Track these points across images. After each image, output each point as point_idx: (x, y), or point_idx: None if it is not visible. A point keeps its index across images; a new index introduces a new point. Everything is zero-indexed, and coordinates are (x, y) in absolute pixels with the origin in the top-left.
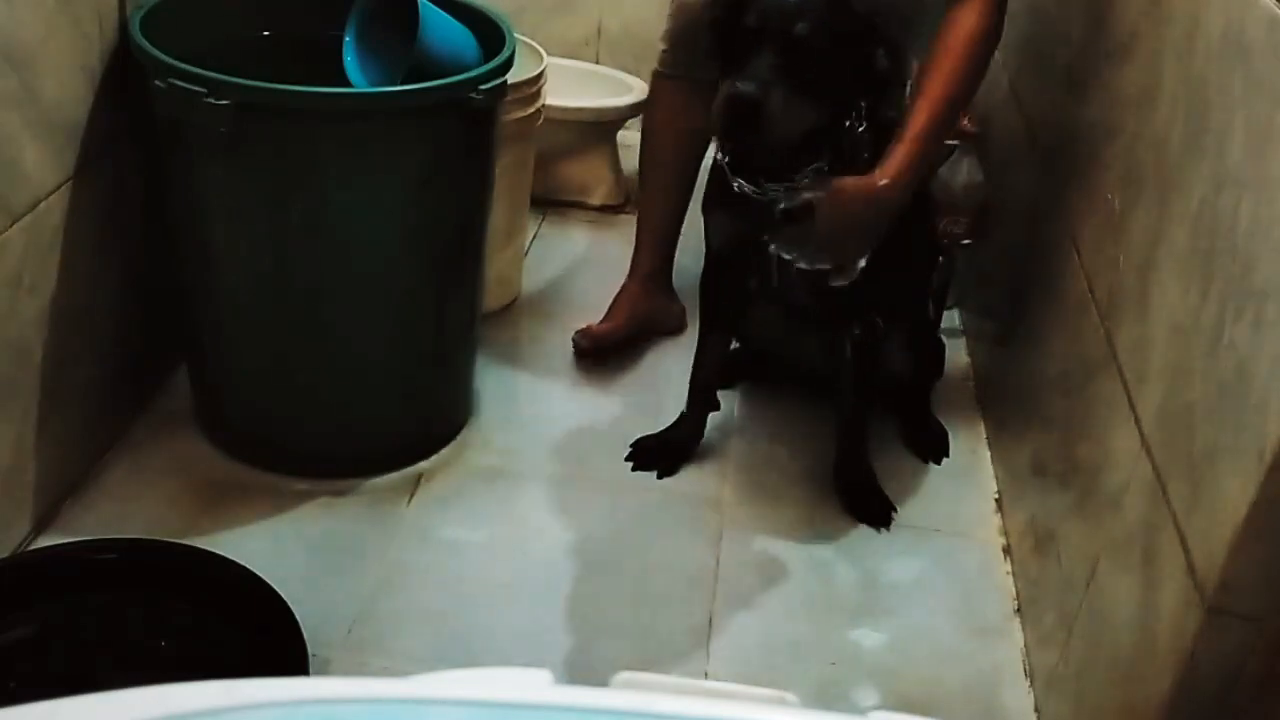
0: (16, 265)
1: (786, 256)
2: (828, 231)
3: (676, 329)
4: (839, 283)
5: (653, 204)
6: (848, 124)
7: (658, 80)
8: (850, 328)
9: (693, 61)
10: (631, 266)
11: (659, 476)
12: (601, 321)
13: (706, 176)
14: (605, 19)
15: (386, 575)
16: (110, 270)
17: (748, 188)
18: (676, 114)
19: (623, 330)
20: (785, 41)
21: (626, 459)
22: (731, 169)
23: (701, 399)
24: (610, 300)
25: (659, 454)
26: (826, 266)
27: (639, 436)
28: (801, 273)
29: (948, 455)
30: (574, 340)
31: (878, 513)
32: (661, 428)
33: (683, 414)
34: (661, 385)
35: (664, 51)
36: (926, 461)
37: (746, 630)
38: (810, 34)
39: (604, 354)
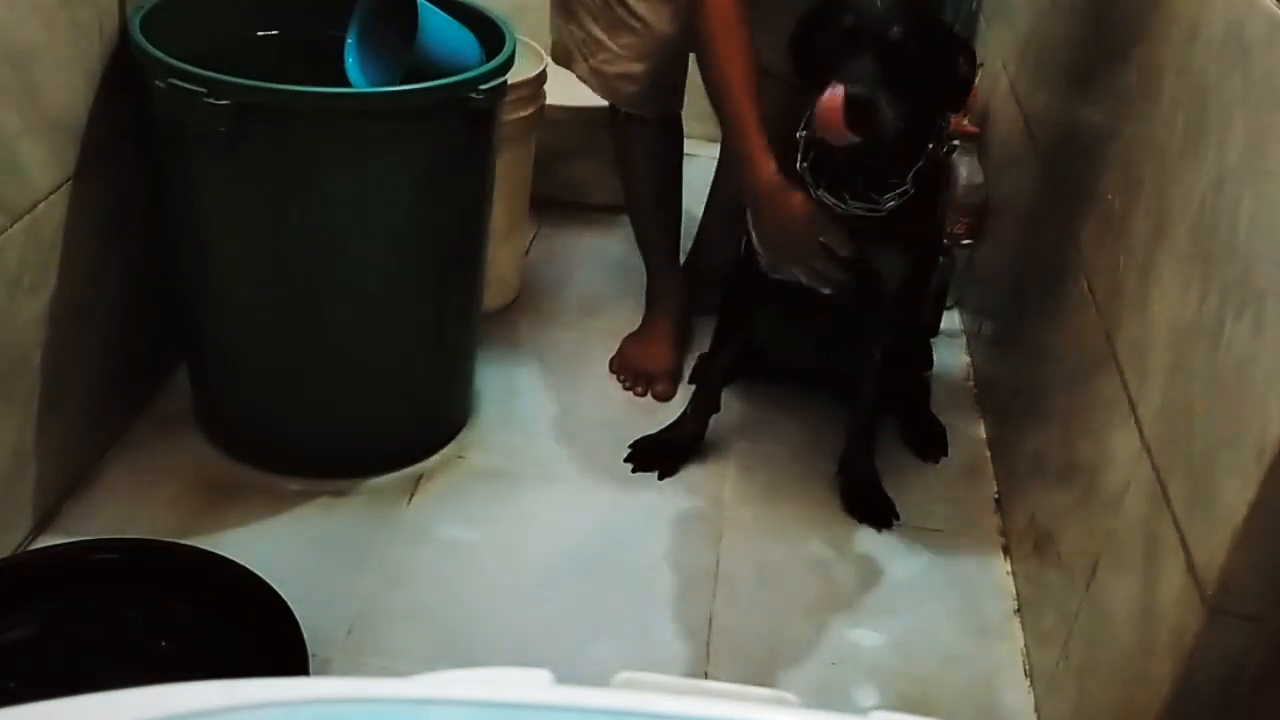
0: (16, 265)
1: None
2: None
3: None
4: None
5: (659, 234)
6: (932, 136)
7: (629, 120)
8: (885, 336)
9: (665, 100)
10: (651, 293)
11: (659, 478)
12: (653, 355)
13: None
14: None
15: (386, 575)
16: (110, 270)
17: (829, 199)
18: (656, 150)
19: (680, 361)
20: (882, 45)
21: (626, 460)
22: (814, 179)
23: (706, 400)
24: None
25: (659, 455)
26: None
27: (639, 437)
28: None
29: (946, 454)
30: (653, 394)
31: (879, 514)
32: (660, 428)
33: (684, 414)
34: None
35: (634, 92)
36: (926, 460)
37: (746, 630)
38: (905, 38)
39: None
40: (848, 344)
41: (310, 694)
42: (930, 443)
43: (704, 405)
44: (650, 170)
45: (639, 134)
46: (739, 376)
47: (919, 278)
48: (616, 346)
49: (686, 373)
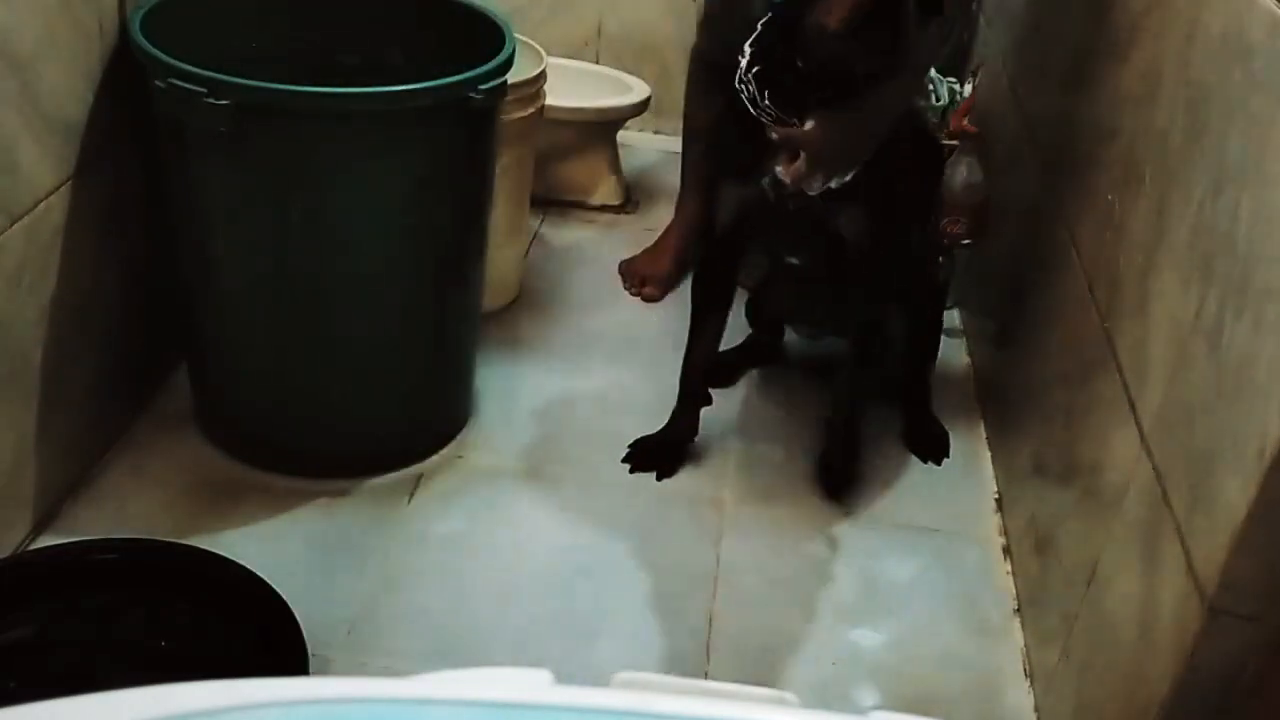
0: (17, 265)
1: (782, 182)
2: (818, 153)
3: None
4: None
5: (695, 158)
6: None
7: (696, 61)
8: (860, 293)
9: (719, 47)
10: (677, 207)
11: (658, 478)
12: (654, 260)
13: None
14: (605, 19)
15: (386, 575)
16: (110, 270)
17: (772, 114)
18: (715, 84)
19: (678, 273)
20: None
21: (624, 460)
22: (759, 91)
23: (693, 394)
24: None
25: (657, 455)
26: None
27: (636, 438)
28: (812, 224)
29: (948, 455)
30: (640, 294)
31: (846, 489)
32: (660, 423)
33: (675, 412)
34: (661, 384)
35: (699, 47)
36: (926, 462)
37: (746, 630)
38: None
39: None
40: (835, 322)
41: (310, 694)
42: (931, 445)
43: (691, 399)
44: (704, 101)
45: (701, 76)
46: (758, 368)
47: (889, 241)
48: (617, 347)
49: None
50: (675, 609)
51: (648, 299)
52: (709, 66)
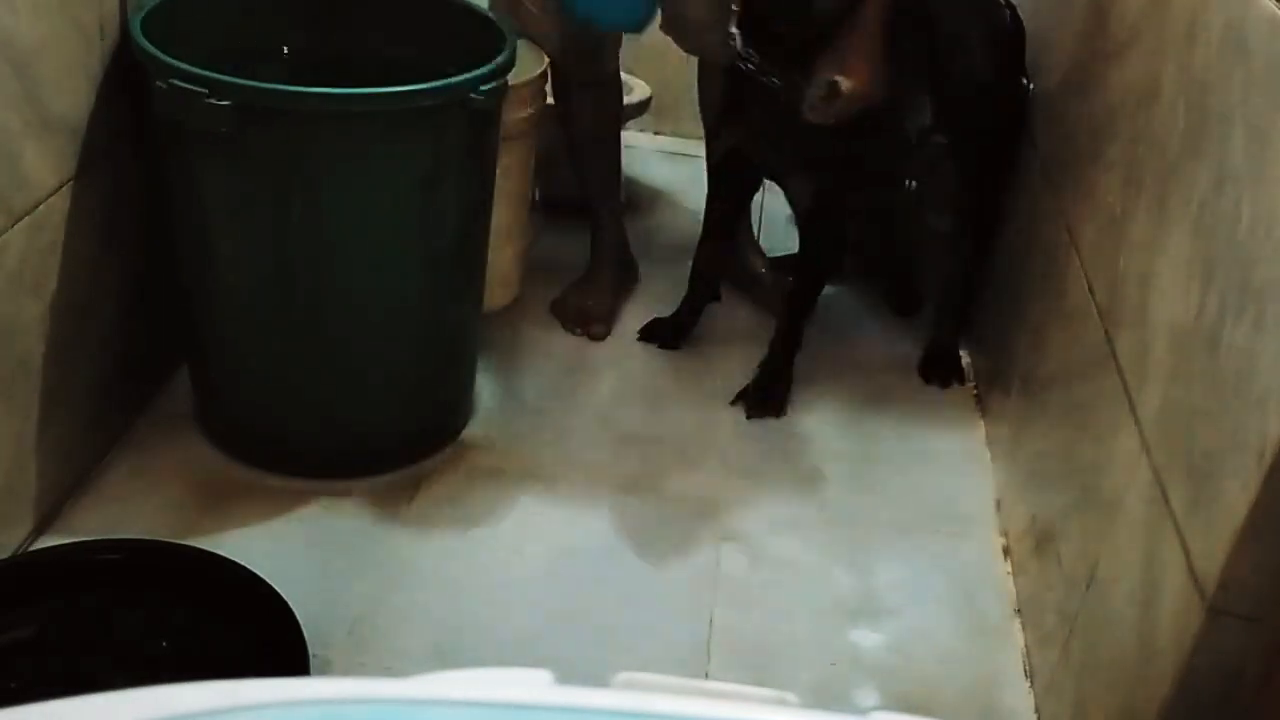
0: (17, 265)
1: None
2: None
3: (635, 280)
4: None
5: (597, 182)
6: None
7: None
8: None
9: (586, 66)
10: (594, 249)
11: (661, 346)
12: (589, 295)
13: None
14: None
15: (387, 575)
16: (111, 270)
17: (775, 81)
18: (590, 99)
19: (616, 305)
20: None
21: (639, 338)
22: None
23: (701, 286)
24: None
25: (662, 330)
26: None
27: (651, 319)
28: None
29: (962, 383)
30: (590, 335)
31: (766, 405)
32: (660, 423)
33: (684, 299)
34: (659, 382)
35: (554, 51)
36: (930, 383)
37: (746, 630)
38: None
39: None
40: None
41: (310, 694)
42: (944, 367)
43: (697, 288)
44: (586, 117)
45: (568, 86)
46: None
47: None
48: (616, 347)
49: (629, 324)
50: (675, 609)
51: (596, 337)
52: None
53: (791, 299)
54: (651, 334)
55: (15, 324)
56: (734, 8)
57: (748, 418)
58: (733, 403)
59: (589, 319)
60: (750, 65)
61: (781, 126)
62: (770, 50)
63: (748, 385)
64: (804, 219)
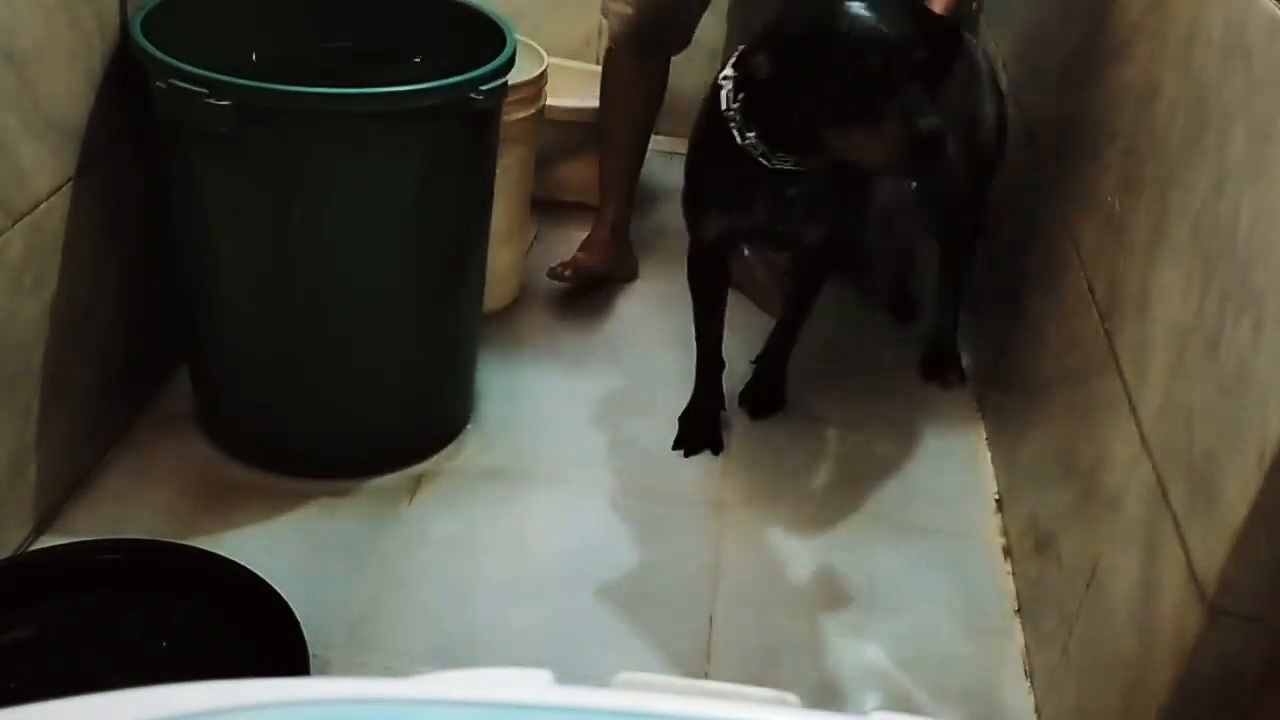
0: (17, 265)
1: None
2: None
3: (631, 277)
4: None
5: (618, 165)
6: None
7: (616, 55)
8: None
9: (649, 44)
10: (597, 219)
11: (715, 453)
12: (583, 256)
13: (694, 174)
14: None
15: (387, 575)
16: (111, 270)
17: (759, 149)
18: (635, 84)
19: (600, 269)
20: (915, 70)
21: (675, 448)
22: (744, 122)
23: (710, 368)
24: (577, 246)
25: (703, 434)
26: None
27: (679, 432)
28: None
29: (963, 381)
30: (559, 276)
31: (766, 405)
32: (660, 423)
33: (698, 391)
34: (659, 381)
35: (624, 32)
36: (930, 381)
37: (746, 630)
38: (924, 52)
39: (586, 290)
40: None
41: (310, 694)
42: (942, 366)
43: (710, 372)
44: (625, 109)
45: (625, 72)
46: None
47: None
48: (617, 348)
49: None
50: (675, 609)
51: (560, 278)
52: (632, 60)
53: (793, 304)
54: (693, 444)
55: (15, 324)
56: (734, 105)
57: (753, 419)
58: (739, 405)
59: (575, 262)
60: (760, 154)
61: (790, 199)
62: (786, 133)
63: (746, 388)
64: (814, 254)
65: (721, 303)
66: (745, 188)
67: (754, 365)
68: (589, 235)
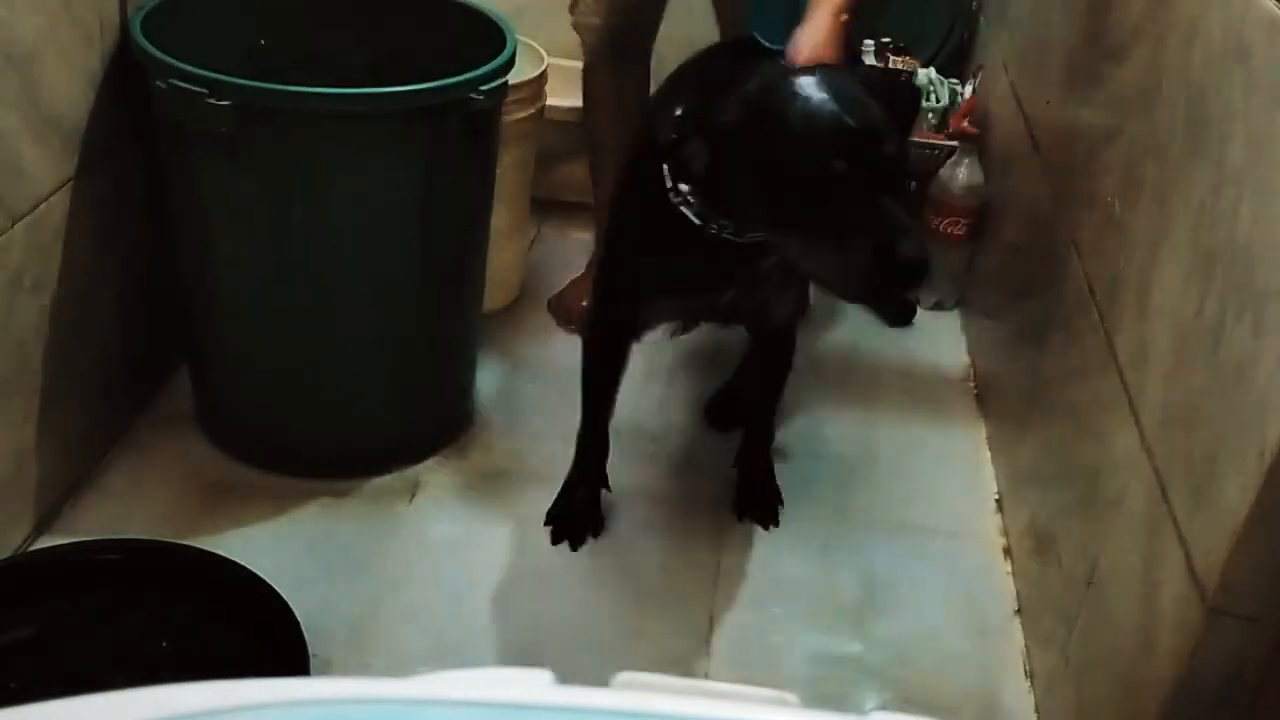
0: (17, 265)
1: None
2: None
3: None
4: None
5: (605, 182)
6: None
7: (595, 70)
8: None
9: (624, 48)
10: (594, 252)
11: (594, 537)
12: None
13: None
14: None
15: (387, 575)
16: (111, 270)
17: (718, 225)
18: (616, 101)
19: None
20: (900, 178)
21: (555, 543)
22: (701, 208)
23: (597, 452)
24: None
25: (584, 519)
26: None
27: (555, 527)
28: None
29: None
30: (564, 323)
31: (768, 511)
32: (660, 422)
33: (575, 473)
34: (657, 381)
35: (598, 43)
36: (748, 521)
37: (746, 630)
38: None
39: None
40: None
41: (310, 694)
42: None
43: (594, 461)
44: (611, 127)
45: (604, 89)
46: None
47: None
48: None
49: None
50: (675, 609)
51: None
52: (609, 77)
53: (761, 407)
54: (576, 534)
55: (15, 324)
56: (683, 187)
57: (765, 529)
58: (739, 520)
59: (578, 311)
60: (731, 232)
61: (763, 272)
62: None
63: (740, 498)
64: (780, 327)
65: (618, 384)
66: (712, 267)
67: (736, 469)
68: (586, 274)
